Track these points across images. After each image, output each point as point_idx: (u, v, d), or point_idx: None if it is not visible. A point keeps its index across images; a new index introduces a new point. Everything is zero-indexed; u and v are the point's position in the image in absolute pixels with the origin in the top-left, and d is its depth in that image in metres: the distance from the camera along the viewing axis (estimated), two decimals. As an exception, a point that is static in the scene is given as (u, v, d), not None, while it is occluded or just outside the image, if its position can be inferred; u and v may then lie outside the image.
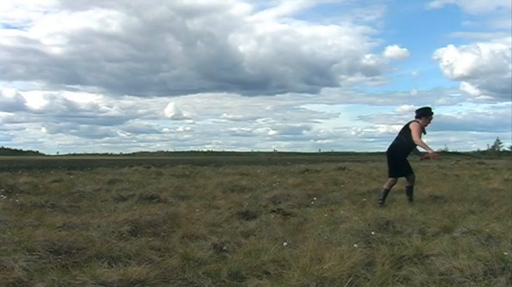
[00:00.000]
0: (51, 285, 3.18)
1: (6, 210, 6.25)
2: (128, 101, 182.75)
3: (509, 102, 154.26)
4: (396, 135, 7.61)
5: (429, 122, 7.57)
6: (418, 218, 5.53)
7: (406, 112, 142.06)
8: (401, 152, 7.52)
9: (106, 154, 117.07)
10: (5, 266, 3.47)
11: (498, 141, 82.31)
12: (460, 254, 3.77)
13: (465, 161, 31.83)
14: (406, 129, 7.43)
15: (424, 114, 7.52)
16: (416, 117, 7.52)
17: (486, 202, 7.15)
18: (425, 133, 7.52)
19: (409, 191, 7.61)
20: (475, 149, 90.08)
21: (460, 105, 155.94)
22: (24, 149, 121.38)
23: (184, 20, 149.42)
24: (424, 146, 7.29)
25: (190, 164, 25.05)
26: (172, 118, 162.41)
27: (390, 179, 7.54)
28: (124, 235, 4.78)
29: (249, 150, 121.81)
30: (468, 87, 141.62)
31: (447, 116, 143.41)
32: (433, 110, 7.63)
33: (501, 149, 78.55)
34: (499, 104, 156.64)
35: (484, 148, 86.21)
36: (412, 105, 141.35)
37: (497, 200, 7.45)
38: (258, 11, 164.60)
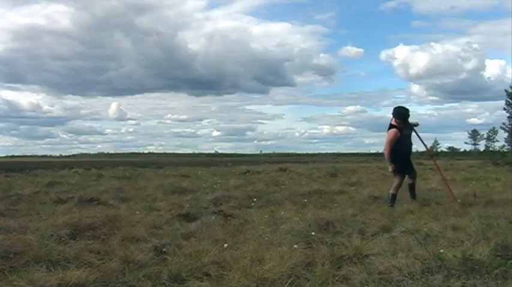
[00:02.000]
0: (-17, 291, 3.01)
1: None
2: (71, 101, 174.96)
3: (454, 104, 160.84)
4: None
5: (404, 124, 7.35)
6: (357, 219, 5.62)
7: (351, 113, 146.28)
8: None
9: (45, 156, 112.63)
10: None
11: (436, 142, 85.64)
12: (398, 253, 3.83)
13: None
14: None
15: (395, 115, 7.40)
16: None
17: (424, 202, 7.37)
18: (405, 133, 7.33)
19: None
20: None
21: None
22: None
23: (134, 16, 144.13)
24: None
25: (131, 166, 24.73)
26: (116, 119, 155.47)
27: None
28: (63, 238, 4.64)
29: (191, 151, 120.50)
30: (415, 89, 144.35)
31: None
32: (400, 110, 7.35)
33: (439, 150, 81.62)
34: (445, 105, 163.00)
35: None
36: (357, 106, 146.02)
37: (434, 200, 7.70)
38: (210, 8, 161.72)
